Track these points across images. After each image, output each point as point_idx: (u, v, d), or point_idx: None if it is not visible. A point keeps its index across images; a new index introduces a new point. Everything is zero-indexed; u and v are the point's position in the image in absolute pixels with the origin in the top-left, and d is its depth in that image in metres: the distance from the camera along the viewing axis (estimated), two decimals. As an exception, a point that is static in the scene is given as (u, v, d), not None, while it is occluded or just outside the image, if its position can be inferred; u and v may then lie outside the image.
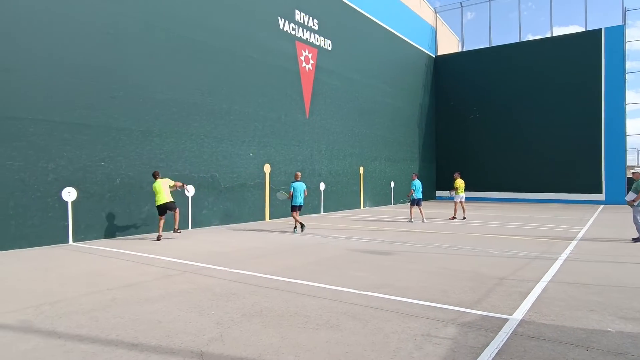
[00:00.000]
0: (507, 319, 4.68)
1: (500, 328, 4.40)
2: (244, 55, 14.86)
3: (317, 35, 18.52)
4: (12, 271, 7.17)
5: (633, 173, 10.92)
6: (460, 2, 30.56)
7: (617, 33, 24.68)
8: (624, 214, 18.16)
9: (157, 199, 10.79)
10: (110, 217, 11.01)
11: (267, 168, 15.82)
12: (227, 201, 14.21)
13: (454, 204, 16.87)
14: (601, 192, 24.92)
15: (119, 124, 11.20)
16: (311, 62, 18.13)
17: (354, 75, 20.99)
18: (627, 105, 24.68)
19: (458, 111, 29.32)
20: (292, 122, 17.07)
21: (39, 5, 9.70)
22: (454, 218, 16.40)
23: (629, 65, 28.39)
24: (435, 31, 30.75)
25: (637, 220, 10.39)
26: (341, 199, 20.08)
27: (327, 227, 13.54)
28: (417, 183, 15.54)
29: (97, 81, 10.73)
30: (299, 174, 12.97)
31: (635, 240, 10.50)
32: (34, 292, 5.85)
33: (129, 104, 11.43)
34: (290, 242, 10.43)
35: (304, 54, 17.75)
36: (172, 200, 10.94)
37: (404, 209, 21.68)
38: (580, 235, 11.77)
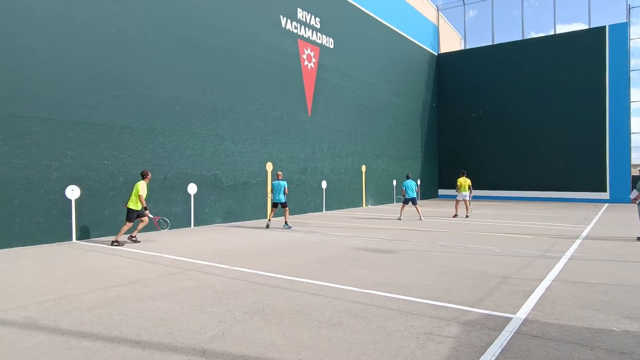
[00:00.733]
0: (511, 318, 4.66)
1: (503, 327, 4.39)
2: (247, 53, 14.85)
3: (319, 34, 18.49)
4: (17, 268, 7.19)
5: None
6: (463, 0, 30.46)
7: (622, 30, 24.55)
8: (629, 212, 18.09)
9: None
10: (114, 215, 11.03)
11: (269, 166, 15.82)
12: (230, 199, 14.22)
13: (455, 202, 16.92)
14: (606, 191, 24.82)
15: (122, 122, 11.21)
16: (313, 60, 18.11)
17: (356, 74, 20.95)
18: (632, 103, 24.56)
19: (461, 109, 29.24)
20: (294, 120, 17.05)
21: (43, 5, 9.71)
22: (455, 216, 16.43)
23: (634, 62, 28.32)
24: (438, 29, 30.66)
25: (641, 218, 10.33)
26: (343, 197, 20.06)
27: (329, 225, 13.53)
28: (409, 183, 15.75)
29: (100, 80, 10.75)
30: (280, 173, 13.31)
31: None
32: (38, 289, 5.86)
33: (132, 103, 11.45)
34: (292, 240, 10.43)
35: (306, 52, 17.73)
36: (134, 209, 9.73)
37: (406, 207, 21.64)
38: (584, 233, 11.72)
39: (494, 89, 28.00)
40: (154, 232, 11.62)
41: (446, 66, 30.00)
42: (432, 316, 4.74)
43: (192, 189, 12.99)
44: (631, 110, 24.49)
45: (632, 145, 24.54)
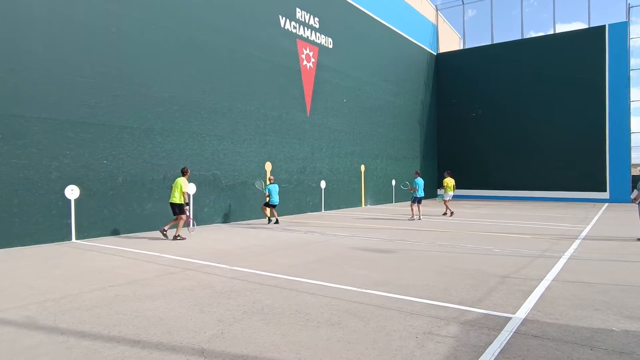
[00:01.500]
0: (510, 318, 4.66)
1: (503, 327, 4.39)
2: (245, 53, 14.85)
3: (318, 34, 18.48)
4: (16, 268, 7.19)
5: None
6: (462, 0, 30.46)
7: (621, 30, 24.56)
8: (629, 212, 18.10)
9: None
10: (113, 214, 11.02)
11: (268, 166, 15.82)
12: (229, 199, 14.22)
13: (443, 201, 17.25)
14: (605, 190, 24.83)
15: (121, 122, 11.20)
16: (312, 60, 18.10)
17: (355, 73, 20.95)
18: (632, 103, 24.58)
19: (460, 109, 29.25)
20: (293, 120, 17.05)
21: (42, 6, 9.70)
22: (445, 214, 16.77)
23: (633, 62, 28.36)
24: (437, 28, 30.66)
25: (641, 218, 10.34)
26: (342, 197, 20.06)
27: (328, 225, 13.53)
28: (420, 181, 15.56)
29: (100, 80, 10.74)
30: (272, 178, 14.22)
31: None
32: (38, 288, 5.86)
33: (131, 103, 11.44)
34: (291, 240, 10.43)
35: (305, 52, 17.72)
36: (178, 203, 10.50)
37: (405, 207, 21.66)
38: (584, 233, 11.73)
39: (493, 88, 28.01)
40: (155, 231, 11.62)
41: (445, 66, 30.01)
42: (431, 316, 4.74)
43: (191, 189, 12.98)
44: (631, 110, 24.52)
45: (632, 144, 24.55)
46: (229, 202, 14.26)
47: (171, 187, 10.75)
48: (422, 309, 5.00)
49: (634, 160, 25.36)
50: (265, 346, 3.90)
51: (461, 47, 33.27)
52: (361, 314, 4.79)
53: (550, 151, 26.01)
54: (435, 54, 30.18)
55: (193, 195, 13.07)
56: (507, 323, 4.49)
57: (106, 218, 10.89)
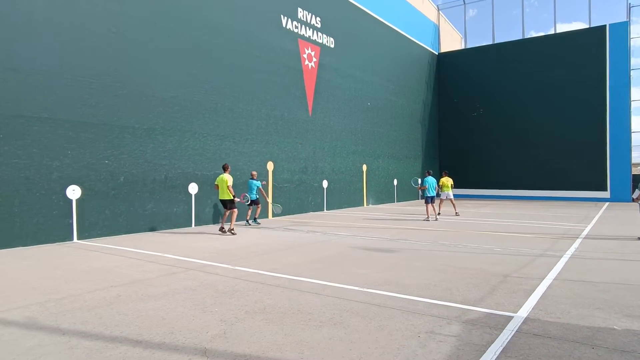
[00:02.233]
0: (512, 317, 4.66)
1: (504, 326, 4.38)
2: (247, 53, 14.85)
3: (319, 33, 18.48)
4: (18, 268, 7.20)
5: None
6: (463, 0, 30.45)
7: (622, 29, 24.51)
8: (630, 211, 18.07)
9: (218, 192, 11.65)
10: (114, 214, 11.04)
11: (270, 166, 15.82)
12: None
13: (439, 200, 17.33)
14: (606, 190, 24.78)
15: (122, 122, 11.21)
16: (314, 59, 18.10)
17: (356, 73, 20.94)
18: (632, 102, 24.53)
19: (461, 108, 29.22)
20: (295, 119, 17.05)
21: (43, 6, 9.71)
22: (439, 214, 16.63)
23: (634, 61, 28.31)
24: (438, 28, 30.64)
25: (643, 217, 10.32)
26: (344, 196, 20.06)
27: (330, 225, 13.53)
28: (431, 180, 15.41)
29: (100, 79, 10.75)
30: (255, 173, 13.83)
31: (640, 237, 10.44)
32: (39, 289, 5.87)
33: (133, 102, 11.45)
34: (293, 240, 10.43)
35: (307, 51, 17.72)
36: (229, 198, 11.35)
37: (407, 206, 21.66)
38: (585, 232, 11.72)
39: (495, 88, 27.98)
40: (157, 231, 11.63)
41: (447, 65, 29.99)
42: (434, 315, 4.74)
43: (193, 188, 13.00)
44: (632, 109, 24.45)
45: (632, 144, 24.51)
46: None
47: (216, 186, 11.66)
48: (424, 308, 5.00)
49: (634, 160, 25.30)
50: (268, 346, 3.90)
51: (462, 47, 33.24)
52: (363, 314, 4.79)
53: (551, 150, 25.98)
54: (437, 53, 30.17)
55: (195, 194, 13.08)
56: (509, 322, 4.49)
57: (108, 218, 10.90)
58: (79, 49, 10.35)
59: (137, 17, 11.55)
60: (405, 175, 25.46)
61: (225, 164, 11.88)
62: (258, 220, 13.93)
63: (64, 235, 10.04)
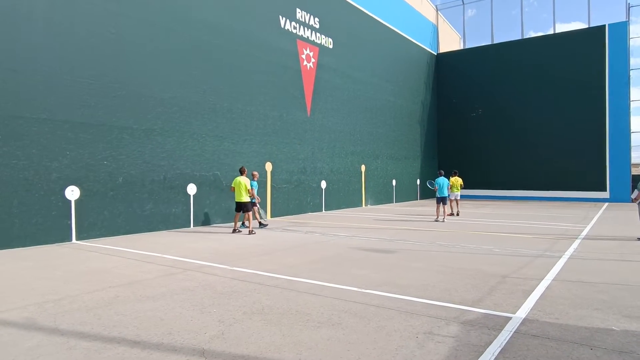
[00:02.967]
0: (510, 317, 4.67)
1: (503, 326, 4.39)
2: (246, 53, 14.85)
3: (318, 34, 18.49)
4: (17, 269, 7.19)
5: None
6: (462, 0, 30.46)
7: (621, 29, 24.54)
8: (629, 211, 18.09)
9: (235, 195, 11.88)
10: (113, 215, 11.03)
11: (268, 166, 15.82)
12: (229, 199, 14.19)
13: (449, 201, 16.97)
14: (605, 190, 24.81)
15: (121, 123, 11.21)
16: (312, 60, 18.11)
17: (355, 74, 20.95)
18: (632, 102, 24.55)
19: (460, 108, 29.25)
20: (293, 120, 17.06)
21: (42, 6, 9.71)
22: (451, 214, 16.65)
23: (633, 62, 28.32)
24: (437, 29, 30.66)
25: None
26: (343, 197, 20.06)
27: (328, 225, 13.53)
28: (442, 180, 15.28)
29: (99, 80, 10.75)
30: (256, 173, 13.33)
31: None
32: (38, 289, 5.86)
33: (131, 103, 11.44)
34: (291, 240, 10.43)
35: (305, 52, 17.73)
36: (246, 201, 11.78)
37: (405, 207, 21.67)
38: (584, 233, 11.73)
39: (494, 88, 28.02)
40: (155, 232, 11.63)
41: (445, 66, 30.01)
42: (432, 316, 4.74)
43: (191, 189, 12.99)
44: (631, 109, 24.48)
45: (632, 144, 24.54)
46: (230, 203, 14.24)
47: (232, 188, 12.03)
48: (422, 308, 5.00)
49: (634, 160, 25.32)
50: (266, 346, 3.90)
51: (461, 47, 33.28)
52: (361, 314, 4.79)
53: (551, 151, 26.00)
54: (436, 54, 30.19)
55: (194, 195, 13.08)
56: (507, 323, 4.50)
57: (106, 219, 10.90)
58: (78, 49, 10.34)
59: (136, 17, 11.55)
60: (404, 176, 25.48)
61: (242, 167, 12.24)
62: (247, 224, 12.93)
63: (63, 236, 10.03)
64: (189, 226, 12.95)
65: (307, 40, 17.82)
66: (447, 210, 16.27)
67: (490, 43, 29.07)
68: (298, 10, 17.38)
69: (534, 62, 26.65)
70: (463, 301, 5.29)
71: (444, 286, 6.03)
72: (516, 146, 27.16)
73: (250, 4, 15.07)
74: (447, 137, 29.90)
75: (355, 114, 20.90)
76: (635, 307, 5.06)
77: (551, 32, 27.45)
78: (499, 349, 3.81)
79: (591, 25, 25.79)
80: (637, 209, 10.47)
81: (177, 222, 12.61)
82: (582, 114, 25.22)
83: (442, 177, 15.55)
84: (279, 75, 16.32)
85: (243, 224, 13.20)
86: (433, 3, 30.49)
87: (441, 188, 15.14)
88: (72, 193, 10.19)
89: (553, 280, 6.38)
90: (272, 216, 15.93)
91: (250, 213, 11.89)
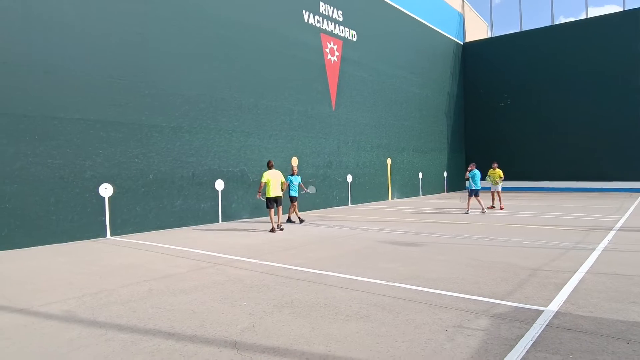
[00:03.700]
0: (542, 311, 4.59)
1: (534, 320, 4.32)
2: (270, 49, 14.93)
3: (341, 27, 18.40)
4: (55, 264, 7.50)
5: None
6: (489, -13, 29.73)
7: (658, 12, 23.49)
8: (666, 202, 17.39)
9: (270, 190, 11.12)
10: (145, 211, 11.33)
11: (294, 161, 15.91)
12: (256, 194, 14.36)
13: (490, 194, 16.49)
14: (641, 180, 23.92)
15: (150, 121, 11.48)
16: (336, 54, 18.05)
17: (380, 66, 20.78)
18: (669, 88, 23.53)
19: (488, 99, 28.63)
20: (318, 114, 17.08)
21: (74, 10, 10.00)
22: (492, 207, 16.11)
23: (671, 46, 26.86)
24: (463, 17, 30.04)
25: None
26: (369, 190, 20.00)
27: (355, 219, 13.54)
28: (476, 172, 15.05)
29: (128, 80, 11.02)
30: (295, 167, 13.56)
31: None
32: (76, 284, 6.10)
33: (159, 102, 11.70)
34: (318, 234, 10.49)
35: (329, 46, 17.69)
36: (281, 195, 11.37)
37: (432, 199, 21.44)
38: (619, 224, 11.36)
39: (523, 76, 27.29)
40: (186, 227, 11.89)
41: (472, 55, 29.40)
42: (461, 309, 4.71)
43: (219, 185, 13.21)
44: (669, 95, 23.46)
45: (670, 131, 23.54)
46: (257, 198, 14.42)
47: (263, 183, 11.06)
48: (451, 302, 4.97)
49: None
50: (296, 339, 3.96)
51: (489, 36, 32.51)
52: (390, 307, 4.80)
53: (583, 140, 25.19)
54: (462, 43, 29.61)
55: (222, 190, 13.29)
56: (539, 316, 4.42)
57: (138, 215, 11.21)
58: (108, 50, 10.62)
59: (161, 16, 11.76)
60: (430, 169, 25.18)
61: (270, 161, 11.61)
62: (293, 219, 13.20)
63: (98, 232, 10.38)
64: (218, 221, 13.19)
65: (330, 33, 17.77)
66: (486, 203, 15.72)
67: (518, 30, 28.31)
68: (321, 3, 17.34)
69: (565, 49, 25.80)
70: (493, 294, 5.23)
71: (473, 279, 5.97)
72: (546, 136, 26.41)
73: (273, -1, 15.14)
74: (475, 129, 29.34)
75: (380, 107, 20.75)
76: (675, 300, 4.89)
77: (583, 16, 26.52)
78: (531, 343, 3.76)
79: (626, 9, 24.76)
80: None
81: (206, 217, 12.85)
82: (616, 101, 24.30)
83: (475, 169, 15.27)
84: (303, 70, 16.36)
85: (289, 219, 13.13)
86: (458, -9, 29.88)
87: (474, 180, 14.90)
88: (106, 190, 10.52)
89: (586, 273, 6.22)
90: (299, 211, 16.02)
91: (296, 204, 12.36)
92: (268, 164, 11.44)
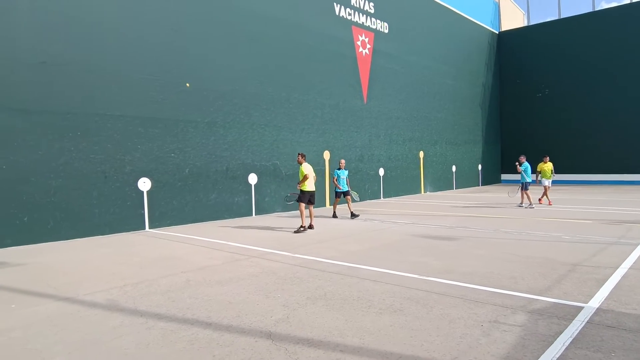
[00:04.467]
0: (582, 307, 4.46)
1: (574, 316, 4.21)
2: (301, 43, 14.97)
3: (373, 19, 18.23)
4: (98, 256, 7.83)
5: None
6: (527, -27, 28.72)
7: None
8: None
9: (308, 183, 10.18)
10: (181, 205, 11.64)
11: (326, 155, 15.94)
12: (289, 188, 14.49)
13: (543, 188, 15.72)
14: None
15: (186, 117, 11.75)
16: (368, 46, 17.91)
17: (412, 58, 20.48)
18: None
19: (524, 90, 27.74)
20: (350, 108, 17.02)
21: (111, 9, 10.32)
22: (542, 202, 15.46)
23: None
24: (499, 6, 29.15)
25: None
26: (401, 184, 19.83)
27: (387, 213, 13.46)
28: (527, 165, 14.70)
29: (165, 77, 11.31)
30: (343, 161, 13.31)
31: None
32: (118, 274, 6.36)
33: (194, 97, 11.95)
34: (350, 228, 10.51)
35: (361, 38, 17.56)
36: (315, 190, 10.53)
37: (466, 193, 21.05)
38: (665, 219, 10.85)
39: (561, 66, 26.26)
40: (221, 220, 12.14)
41: (508, 44, 28.51)
42: (497, 304, 4.64)
43: (252, 179, 13.41)
44: None
45: None
46: (289, 191, 14.54)
47: (305, 177, 10.13)
48: (486, 297, 4.90)
49: None
50: (330, 330, 4.01)
51: (525, 24, 31.45)
52: (424, 301, 4.78)
53: (626, 131, 24.06)
54: (497, 32, 28.76)
55: (255, 184, 13.49)
56: (578, 312, 4.31)
57: (175, 208, 11.53)
58: (144, 48, 10.92)
59: (194, 13, 11.98)
60: (464, 162, 24.70)
61: (300, 152, 10.80)
62: (356, 213, 12.69)
63: (137, 225, 10.75)
64: (251, 215, 13.40)
65: (362, 26, 17.64)
66: (534, 197, 15.17)
67: (557, 18, 27.25)
68: (352, -4, 17.22)
69: (607, 36, 24.63)
70: (530, 290, 5.12)
71: (509, 274, 5.85)
72: (587, 127, 25.37)
73: (304, -7, 15.14)
74: (511, 120, 28.52)
75: (412, 99, 20.48)
76: None
77: (627, 0, 25.21)
78: (570, 339, 3.67)
79: (675, -9, 23.40)
80: None
81: (240, 210, 13.08)
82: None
83: (525, 162, 14.84)
84: (334, 64, 16.32)
85: (353, 214, 12.49)
86: (494, -21, 29.00)
87: (526, 173, 14.56)
88: (144, 184, 10.86)
89: (630, 268, 5.99)
90: (330, 204, 16.09)
91: (350, 197, 12.21)
92: (303, 156, 10.57)
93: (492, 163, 27.89)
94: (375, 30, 18.29)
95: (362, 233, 9.72)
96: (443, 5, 22.82)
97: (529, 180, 14.54)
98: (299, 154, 10.58)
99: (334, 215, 12.93)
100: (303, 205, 10.21)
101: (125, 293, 5.37)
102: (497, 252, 7.36)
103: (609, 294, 4.87)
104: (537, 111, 27.26)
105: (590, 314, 4.25)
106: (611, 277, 5.56)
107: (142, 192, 10.84)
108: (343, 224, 11.34)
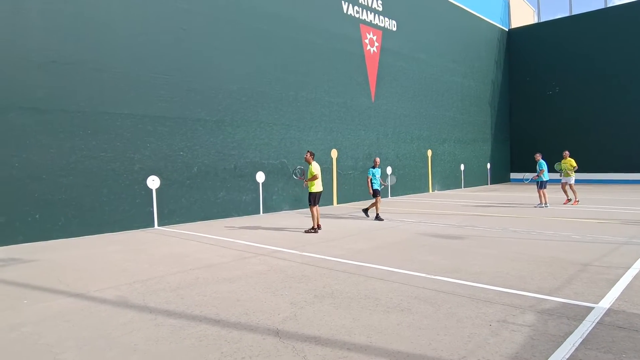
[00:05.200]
0: (592, 307, 4.42)
1: (584, 317, 4.17)
2: (309, 41, 14.96)
3: (381, 17, 18.16)
4: (108, 252, 7.90)
5: None
6: (537, -30, 28.44)
7: None
8: None
9: (317, 184, 9.88)
10: (190, 203, 11.71)
11: (334, 153, 15.93)
12: (296, 186, 14.52)
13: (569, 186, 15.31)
14: None
15: (194, 115, 11.80)
16: (376, 44, 17.85)
17: (420, 56, 20.38)
18: None
19: (534, 87, 27.47)
20: (357, 106, 16.99)
21: (120, 8, 10.39)
22: (568, 201, 15.09)
23: None
24: (508, 2, 28.89)
25: None
26: (409, 182, 19.76)
27: (395, 211, 13.43)
28: (544, 163, 14.45)
29: (173, 75, 11.36)
30: (378, 159, 12.30)
31: None
32: (127, 271, 6.42)
33: (202, 96, 12.00)
34: (358, 226, 10.50)
35: (369, 36, 17.51)
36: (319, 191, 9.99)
37: (475, 192, 20.93)
38: (678, 218, 10.70)
39: (572, 63, 25.97)
40: (229, 218, 12.19)
41: (518, 42, 28.24)
42: (506, 304, 4.61)
43: (260, 177, 13.44)
44: None
45: None
46: (297, 190, 14.57)
47: (315, 176, 9.83)
48: (495, 296, 4.87)
49: None
50: (337, 329, 4.01)
51: (535, 21, 31.15)
52: (431, 300, 4.77)
53: (637, 130, 23.74)
54: (507, 29, 28.52)
55: (262, 183, 13.51)
56: (589, 313, 4.27)
57: (184, 206, 11.59)
58: (153, 47, 10.98)
59: (202, 12, 12.02)
60: (473, 160, 24.54)
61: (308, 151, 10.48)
62: (381, 217, 11.71)
63: (146, 222, 10.83)
64: (259, 213, 13.44)
65: (370, 24, 17.58)
66: (547, 196, 14.91)
67: (568, 15, 26.95)
68: (360, -6, 17.17)
69: (619, 33, 24.30)
70: (539, 289, 5.08)
71: (518, 274, 5.81)
72: (598, 125, 25.07)
73: (312, -9, 15.13)
74: (520, 118, 28.27)
75: (420, 98, 20.39)
76: None
77: (640, -2, 24.87)
78: (580, 340, 3.64)
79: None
80: None
81: (248, 209, 13.12)
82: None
83: (542, 160, 14.60)
84: (342, 62, 16.30)
85: (377, 216, 11.62)
86: (503, -24, 28.75)
87: (546, 171, 14.37)
88: (153, 182, 10.94)
89: (642, 269, 5.92)
90: (338, 202, 16.08)
91: (379, 198, 11.39)
92: (312, 155, 10.21)
93: (501, 161, 27.70)
94: (383, 28, 18.23)
95: (370, 232, 9.71)
96: (452, 3, 22.68)
97: (546, 178, 14.29)
98: (307, 152, 10.32)
99: (378, 217, 11.55)
100: (314, 207, 9.81)
101: (134, 290, 5.42)
102: (506, 251, 7.31)
103: (620, 295, 4.82)
104: (547, 109, 26.99)
105: (601, 315, 4.21)
106: (623, 278, 5.50)
107: (151, 190, 10.91)
108: (351, 223, 11.33)
